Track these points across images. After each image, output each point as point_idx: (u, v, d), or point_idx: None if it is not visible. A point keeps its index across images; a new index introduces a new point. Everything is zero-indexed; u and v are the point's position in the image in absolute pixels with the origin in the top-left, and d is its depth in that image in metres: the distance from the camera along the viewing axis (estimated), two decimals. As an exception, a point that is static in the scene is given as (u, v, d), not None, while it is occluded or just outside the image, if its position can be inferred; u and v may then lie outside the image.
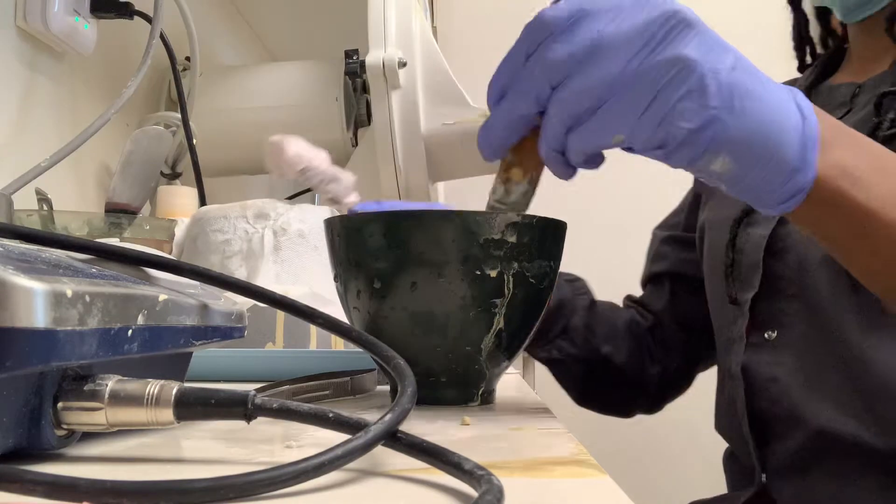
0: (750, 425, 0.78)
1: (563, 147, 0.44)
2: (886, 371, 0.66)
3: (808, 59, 0.91)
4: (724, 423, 0.87)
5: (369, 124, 1.24)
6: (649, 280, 0.99)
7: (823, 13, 0.89)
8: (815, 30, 0.91)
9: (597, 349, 0.93)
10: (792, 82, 0.89)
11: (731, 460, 0.89)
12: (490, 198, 0.49)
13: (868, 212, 0.46)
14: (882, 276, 0.52)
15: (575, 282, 0.95)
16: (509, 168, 0.46)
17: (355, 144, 1.28)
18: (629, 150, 0.44)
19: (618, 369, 0.94)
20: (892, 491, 0.67)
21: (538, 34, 0.42)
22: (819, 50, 0.91)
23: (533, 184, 0.47)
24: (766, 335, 0.77)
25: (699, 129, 0.42)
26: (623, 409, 1.01)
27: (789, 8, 0.90)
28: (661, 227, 1.00)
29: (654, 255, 0.99)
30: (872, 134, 0.70)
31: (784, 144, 0.43)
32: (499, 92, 0.45)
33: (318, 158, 0.79)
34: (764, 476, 0.77)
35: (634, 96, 0.41)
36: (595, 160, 0.45)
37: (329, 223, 0.54)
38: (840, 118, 0.77)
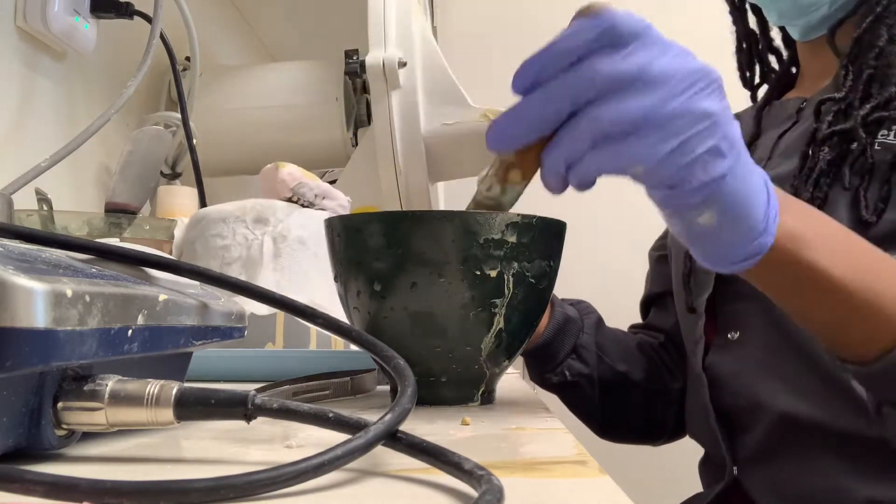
0: (718, 421, 0.80)
1: (574, 163, 0.43)
2: None
3: (757, 78, 0.93)
4: (694, 425, 0.88)
5: (369, 124, 1.24)
6: (651, 301, 1.00)
7: (765, 31, 0.92)
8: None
9: (612, 367, 0.89)
10: (749, 110, 0.91)
11: (704, 466, 0.90)
12: (480, 193, 0.47)
13: (816, 269, 0.51)
14: (832, 329, 0.56)
15: (579, 303, 0.92)
16: (510, 169, 0.46)
17: (355, 144, 1.28)
18: (633, 179, 0.46)
19: (638, 388, 0.90)
20: (849, 470, 0.69)
21: (599, 39, 0.41)
22: (769, 62, 0.93)
23: (525, 187, 0.47)
24: (729, 335, 0.80)
25: (711, 181, 0.44)
26: (650, 433, 0.96)
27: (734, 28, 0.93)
28: (654, 248, 1.01)
29: (652, 276, 0.99)
30: (812, 138, 0.74)
31: (756, 208, 0.47)
32: (532, 80, 0.43)
33: (310, 177, 0.83)
34: (735, 469, 0.79)
35: (666, 135, 0.42)
36: (592, 183, 0.45)
37: (329, 223, 0.55)
38: (787, 130, 0.81)
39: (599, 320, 0.92)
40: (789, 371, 0.73)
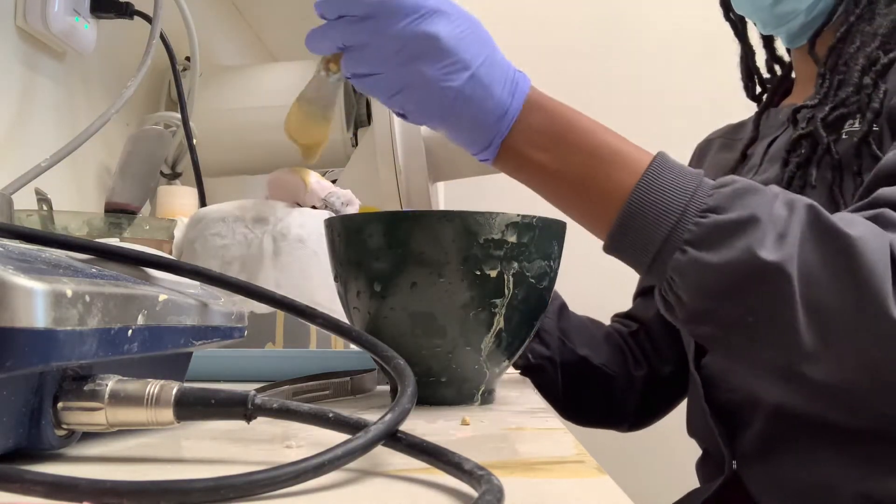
0: (715, 417, 0.81)
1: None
2: None
3: (758, 88, 0.96)
4: (693, 424, 0.89)
5: (369, 124, 1.24)
6: (641, 294, 1.02)
7: (769, 41, 0.95)
8: (762, 56, 0.96)
9: (573, 350, 0.92)
10: (760, 111, 0.93)
11: (703, 462, 0.91)
12: (313, 79, 0.66)
13: (539, 168, 0.60)
14: (584, 223, 0.62)
15: None
16: (329, 62, 0.64)
17: (355, 144, 1.28)
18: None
19: (598, 371, 0.93)
20: (847, 464, 0.69)
21: (350, 5, 0.58)
22: (765, 74, 0.96)
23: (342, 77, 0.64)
24: None
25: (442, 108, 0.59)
26: (612, 418, 0.99)
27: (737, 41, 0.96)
28: None
29: None
30: (792, 146, 0.76)
31: (482, 126, 0.59)
32: (318, 12, 0.61)
33: (331, 185, 0.85)
34: (735, 463, 0.79)
35: (376, 49, 0.58)
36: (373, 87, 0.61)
37: (329, 223, 0.55)
38: (777, 136, 0.84)
39: (563, 306, 0.94)
40: None
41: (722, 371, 0.81)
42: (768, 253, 0.52)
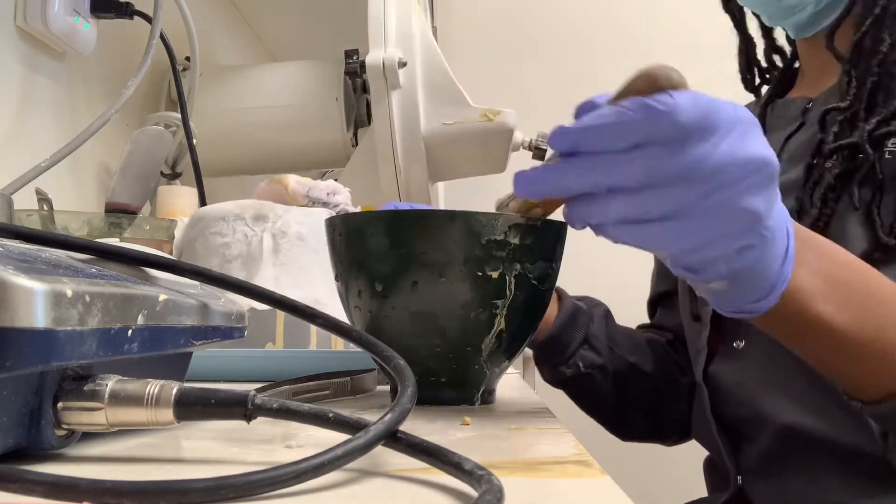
0: (721, 429, 0.79)
1: (597, 227, 0.44)
2: None
3: (757, 79, 0.93)
4: (699, 430, 0.87)
5: (369, 124, 1.24)
6: (658, 300, 0.99)
7: (768, 31, 0.91)
8: (760, 46, 0.93)
9: (623, 358, 0.88)
10: (753, 105, 0.90)
11: (710, 466, 0.89)
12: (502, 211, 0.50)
13: (821, 321, 0.50)
14: (838, 372, 0.56)
15: (585, 298, 0.91)
16: (532, 207, 0.48)
17: (355, 144, 1.28)
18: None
19: (648, 380, 0.89)
20: (854, 485, 0.68)
21: (657, 132, 0.40)
22: (763, 64, 0.93)
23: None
24: (734, 344, 0.79)
25: (731, 273, 0.45)
26: (661, 429, 0.95)
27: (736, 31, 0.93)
28: None
29: (657, 275, 0.99)
30: (818, 149, 0.72)
31: (769, 277, 0.46)
32: (572, 145, 0.42)
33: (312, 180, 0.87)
34: (739, 478, 0.78)
35: (695, 228, 0.41)
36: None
37: (331, 223, 0.54)
38: (794, 132, 0.80)
39: (608, 312, 0.91)
40: (793, 384, 0.72)
41: (731, 384, 0.78)
42: None
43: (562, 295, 0.87)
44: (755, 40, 0.92)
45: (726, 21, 0.94)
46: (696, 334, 0.83)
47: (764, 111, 0.86)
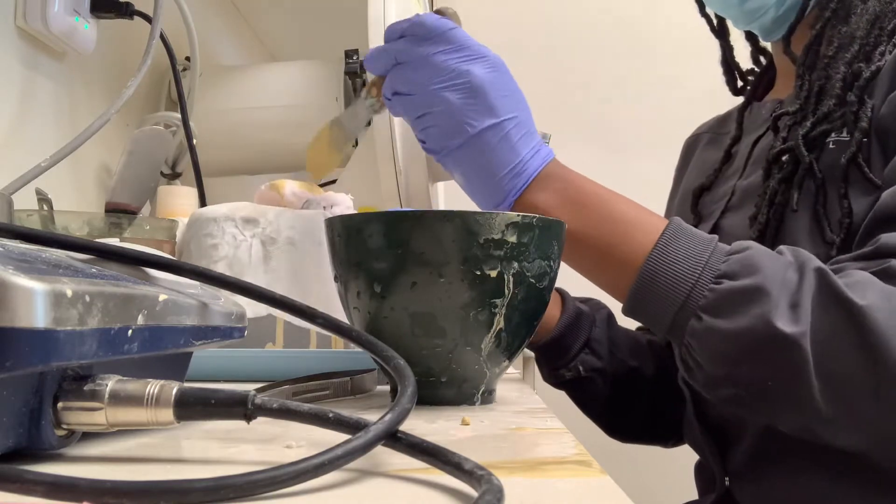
0: (706, 431, 0.79)
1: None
2: None
3: (739, 82, 0.94)
4: (688, 433, 0.87)
5: (369, 124, 1.24)
6: None
7: (751, 34, 0.92)
8: (747, 49, 0.94)
9: (624, 362, 0.88)
10: (743, 106, 0.90)
11: (700, 469, 0.90)
12: (359, 100, 0.73)
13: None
14: (595, 277, 0.65)
15: (589, 300, 0.91)
16: (373, 86, 0.71)
17: (355, 144, 1.28)
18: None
19: (648, 384, 0.90)
20: (838, 485, 0.68)
21: (412, 29, 0.64)
22: (748, 66, 0.94)
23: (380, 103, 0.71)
24: None
25: (458, 163, 0.66)
26: (659, 432, 0.96)
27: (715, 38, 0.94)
28: None
29: None
30: (774, 159, 0.74)
31: (494, 180, 0.64)
32: (386, 39, 0.66)
33: (314, 191, 0.88)
34: (727, 480, 0.78)
35: (422, 102, 0.65)
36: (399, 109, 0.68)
37: (329, 223, 0.55)
38: (760, 136, 0.82)
39: (610, 315, 0.91)
40: None
41: None
42: (784, 324, 0.53)
43: (564, 297, 0.87)
44: (742, 43, 0.93)
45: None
46: None
47: (741, 115, 0.88)
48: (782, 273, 0.55)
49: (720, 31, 0.93)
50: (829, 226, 0.68)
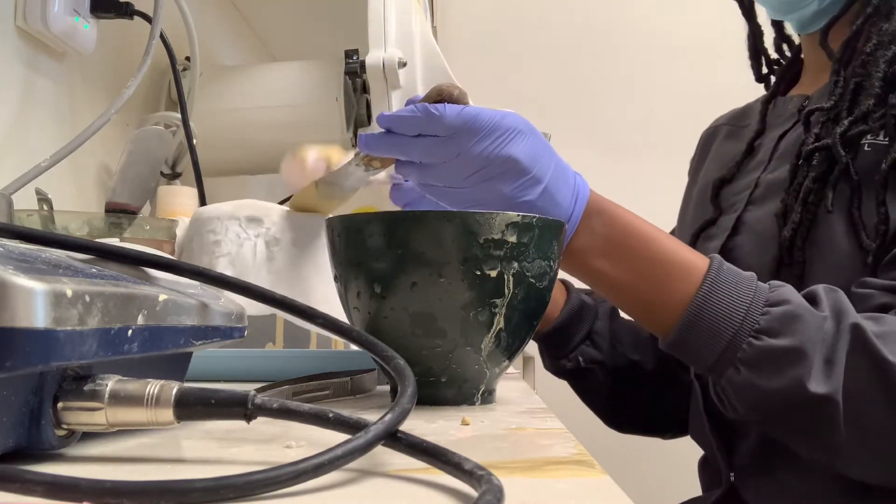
0: (714, 426, 0.79)
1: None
2: None
3: (765, 69, 0.93)
4: (694, 428, 0.87)
5: (369, 124, 1.24)
6: None
7: (777, 21, 0.91)
8: (770, 36, 0.93)
9: (625, 355, 0.89)
10: (766, 99, 0.89)
11: (704, 466, 0.90)
12: (351, 163, 0.67)
13: (600, 273, 0.63)
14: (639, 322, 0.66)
15: (593, 292, 0.91)
16: (372, 160, 0.66)
17: (355, 144, 1.28)
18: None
19: (649, 377, 0.90)
20: (845, 481, 0.67)
21: (430, 128, 0.58)
22: (773, 55, 0.93)
23: (376, 174, 0.68)
24: None
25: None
26: (659, 425, 0.97)
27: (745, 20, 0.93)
28: None
29: None
30: (801, 151, 0.74)
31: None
32: (387, 126, 0.60)
33: (332, 158, 0.83)
34: (732, 475, 0.78)
35: (466, 197, 0.60)
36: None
37: (329, 223, 0.55)
38: (787, 131, 0.81)
39: (614, 308, 0.91)
40: None
41: None
42: (817, 385, 0.56)
43: (569, 288, 0.88)
44: (765, 29, 0.92)
45: (724, 20, 0.94)
46: None
47: (765, 108, 0.87)
48: (819, 330, 0.57)
49: (749, 15, 0.91)
50: (864, 230, 0.68)
